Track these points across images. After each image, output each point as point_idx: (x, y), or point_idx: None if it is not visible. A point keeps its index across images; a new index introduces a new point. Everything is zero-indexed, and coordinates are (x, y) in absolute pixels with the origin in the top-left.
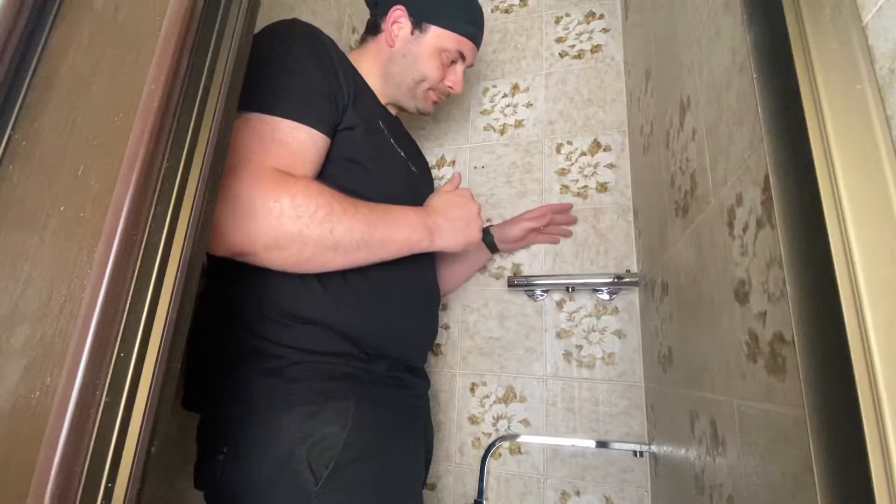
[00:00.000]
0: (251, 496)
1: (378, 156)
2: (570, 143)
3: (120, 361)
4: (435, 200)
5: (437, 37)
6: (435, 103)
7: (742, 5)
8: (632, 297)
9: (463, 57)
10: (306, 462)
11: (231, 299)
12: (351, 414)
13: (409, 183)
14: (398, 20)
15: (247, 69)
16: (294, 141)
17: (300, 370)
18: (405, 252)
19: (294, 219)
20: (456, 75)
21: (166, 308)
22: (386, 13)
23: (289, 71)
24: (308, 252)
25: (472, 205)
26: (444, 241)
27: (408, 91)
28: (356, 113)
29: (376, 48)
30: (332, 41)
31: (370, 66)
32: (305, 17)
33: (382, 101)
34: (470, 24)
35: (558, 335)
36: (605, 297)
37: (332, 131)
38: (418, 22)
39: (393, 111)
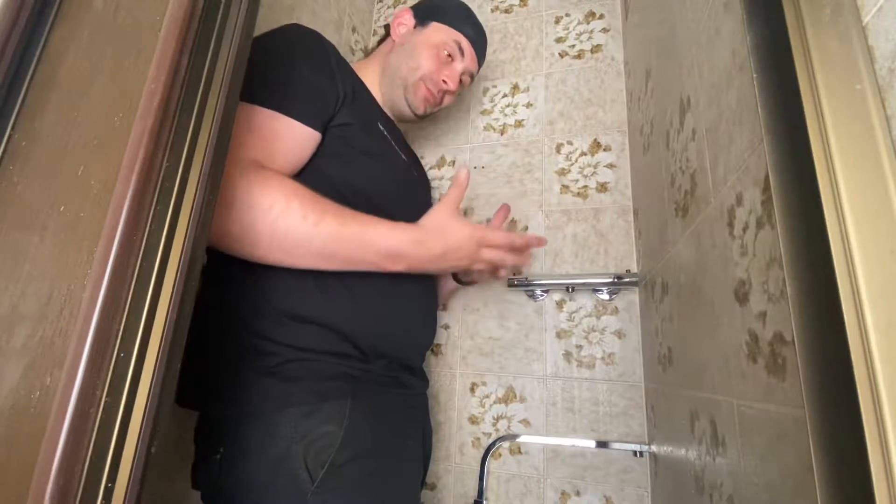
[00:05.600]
0: (248, 496)
1: (375, 151)
2: (570, 143)
3: (120, 361)
4: (448, 230)
5: (435, 30)
6: (427, 102)
7: (742, 5)
8: (632, 297)
9: (462, 52)
10: (303, 461)
11: (228, 297)
12: (347, 413)
13: (410, 184)
14: (403, 18)
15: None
16: (268, 130)
17: (296, 369)
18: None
19: (246, 210)
20: (451, 70)
21: (166, 308)
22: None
23: (279, 65)
24: (261, 250)
25: (473, 247)
26: (423, 269)
27: (401, 82)
28: (352, 112)
29: (384, 49)
30: (333, 46)
31: (373, 72)
32: (305, 17)
33: (383, 108)
34: (469, 27)
35: (558, 335)
36: (605, 297)
37: (319, 125)
38: (421, 20)
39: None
